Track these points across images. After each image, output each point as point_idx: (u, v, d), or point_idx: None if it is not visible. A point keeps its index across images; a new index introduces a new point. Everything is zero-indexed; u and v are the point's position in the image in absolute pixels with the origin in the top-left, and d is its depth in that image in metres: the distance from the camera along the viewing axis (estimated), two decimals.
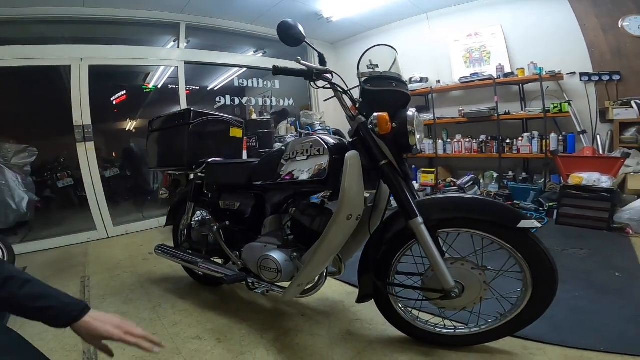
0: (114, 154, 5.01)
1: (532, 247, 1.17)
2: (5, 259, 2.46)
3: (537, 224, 1.14)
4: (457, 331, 1.38)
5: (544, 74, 3.56)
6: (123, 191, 5.06)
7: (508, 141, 3.85)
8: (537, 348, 1.34)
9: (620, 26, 3.35)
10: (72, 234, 3.58)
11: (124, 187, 5.13)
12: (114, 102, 4.96)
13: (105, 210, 3.65)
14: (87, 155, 3.53)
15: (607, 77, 3.41)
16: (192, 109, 1.94)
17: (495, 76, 3.87)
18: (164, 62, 4.15)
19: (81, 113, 3.46)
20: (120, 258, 2.90)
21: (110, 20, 3.75)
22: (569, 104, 3.50)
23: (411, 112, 1.24)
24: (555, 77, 3.54)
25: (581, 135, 3.48)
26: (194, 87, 4.44)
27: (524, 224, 1.12)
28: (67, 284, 2.34)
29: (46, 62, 3.40)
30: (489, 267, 1.26)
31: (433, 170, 4.37)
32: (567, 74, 3.58)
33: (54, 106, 4.16)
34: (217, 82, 5.14)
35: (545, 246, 1.17)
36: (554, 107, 3.51)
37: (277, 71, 1.29)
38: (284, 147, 1.47)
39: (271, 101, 4.94)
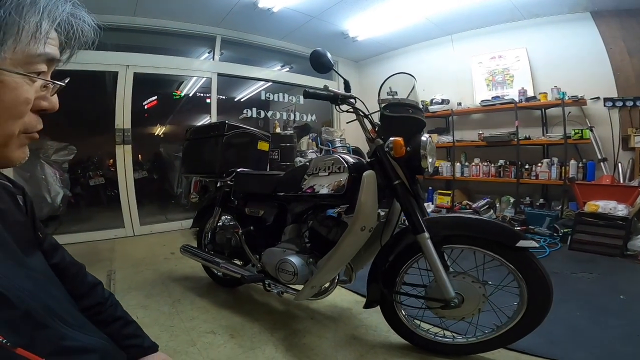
0: (139, 156, 5.26)
1: (530, 265, 1.26)
2: None
3: (534, 244, 1.24)
4: (455, 340, 1.47)
5: (567, 98, 3.55)
6: (149, 193, 5.30)
7: (527, 166, 3.84)
8: None
9: None
10: (101, 230, 3.79)
11: (150, 190, 5.39)
12: (146, 107, 5.26)
13: (134, 210, 3.87)
14: (124, 157, 3.77)
15: (631, 103, 3.35)
16: (227, 122, 2.12)
17: (517, 100, 3.88)
18: (199, 72, 4.42)
19: (123, 117, 3.71)
20: (144, 256, 3.06)
21: (155, 30, 4.02)
22: (591, 130, 3.48)
23: (425, 137, 1.37)
24: (579, 102, 3.53)
25: (602, 163, 3.46)
26: (221, 97, 4.65)
27: (522, 243, 1.22)
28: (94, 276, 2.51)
29: (98, 67, 3.66)
30: (489, 282, 1.36)
31: (449, 192, 4.41)
32: (591, 99, 3.55)
33: (94, 108, 4.46)
34: (244, 94, 5.37)
35: (542, 265, 1.26)
36: (575, 133, 3.49)
37: (307, 95, 1.46)
38: (307, 163, 1.62)
39: (294, 115, 5.11)
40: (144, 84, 4.12)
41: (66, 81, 0.49)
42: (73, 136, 4.38)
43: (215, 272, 2.25)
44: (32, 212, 0.64)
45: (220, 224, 2.17)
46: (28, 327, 0.43)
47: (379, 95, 1.47)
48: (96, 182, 4.65)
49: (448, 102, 4.51)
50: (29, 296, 0.45)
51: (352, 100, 1.51)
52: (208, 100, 4.44)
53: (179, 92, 5.03)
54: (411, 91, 1.50)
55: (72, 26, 0.46)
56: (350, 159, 1.48)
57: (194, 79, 4.66)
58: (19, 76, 0.41)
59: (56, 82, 0.48)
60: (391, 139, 1.35)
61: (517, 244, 1.22)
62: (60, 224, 3.94)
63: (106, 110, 3.80)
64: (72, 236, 3.59)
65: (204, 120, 4.77)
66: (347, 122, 1.65)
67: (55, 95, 0.49)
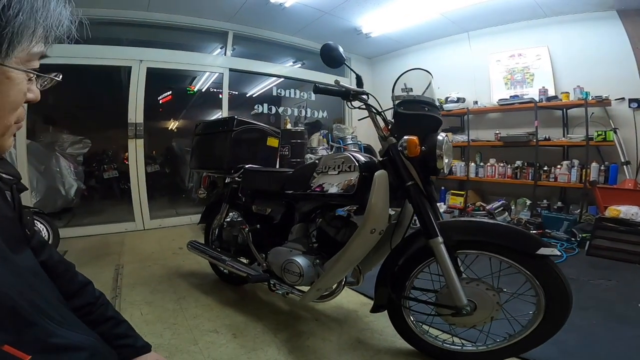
0: (153, 152, 5.33)
1: (550, 273, 1.18)
2: (51, 241, 2.68)
3: (556, 252, 1.17)
4: (464, 348, 1.41)
5: (590, 99, 3.41)
6: (160, 187, 5.37)
7: (545, 168, 3.72)
8: None
9: None
10: (112, 223, 3.82)
11: (162, 183, 5.45)
12: (160, 102, 5.31)
13: (145, 204, 3.88)
14: (136, 151, 3.78)
15: None
16: (235, 117, 2.08)
17: (537, 99, 3.75)
18: (211, 67, 4.41)
19: (135, 112, 3.72)
20: (153, 250, 3.07)
21: (168, 25, 4.02)
22: (615, 132, 3.34)
23: (441, 136, 1.30)
24: (602, 102, 3.38)
25: (625, 167, 3.31)
26: (233, 92, 4.64)
27: (543, 251, 1.14)
28: (102, 270, 2.52)
29: (111, 62, 3.69)
30: (504, 290, 1.29)
31: (463, 193, 4.29)
32: (615, 99, 3.41)
33: (107, 103, 4.52)
34: (255, 90, 5.35)
35: (563, 274, 1.19)
36: (598, 135, 3.36)
37: (317, 90, 1.40)
38: (317, 161, 1.57)
39: (306, 112, 5.06)
40: (157, 78, 4.14)
41: (60, 77, 0.52)
42: (88, 130, 4.46)
43: (222, 269, 2.23)
44: (20, 208, 0.64)
45: (227, 220, 2.14)
46: (14, 324, 0.43)
47: (393, 91, 1.40)
48: (110, 175, 4.73)
49: (464, 100, 4.39)
50: (15, 293, 0.44)
51: (365, 97, 1.45)
52: (220, 96, 4.43)
53: (192, 88, 5.06)
54: (427, 88, 1.43)
55: (69, 28, 0.48)
56: (362, 158, 1.42)
57: (207, 74, 4.67)
58: (21, 72, 0.44)
59: (54, 77, 0.51)
60: (405, 137, 1.28)
61: (538, 252, 1.15)
62: (73, 216, 4.01)
63: (121, 105, 3.81)
64: (83, 229, 3.64)
65: (216, 116, 4.77)
66: (359, 119, 1.58)
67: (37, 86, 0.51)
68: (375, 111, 1.43)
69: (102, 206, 4.62)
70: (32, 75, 0.46)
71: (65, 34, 0.47)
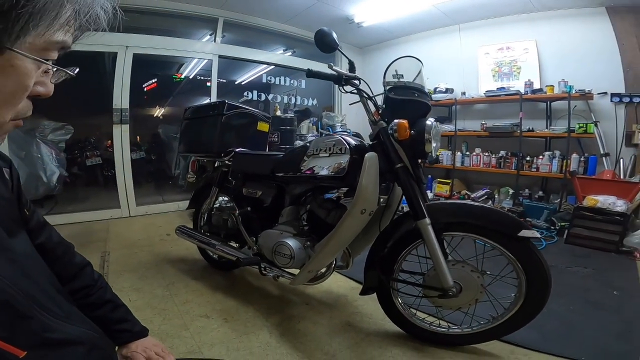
0: (137, 138, 5.22)
1: (531, 256, 1.24)
2: None
3: (537, 234, 1.22)
4: (450, 330, 1.47)
5: (574, 92, 3.51)
6: (146, 174, 5.27)
7: (528, 158, 3.82)
8: (523, 354, 1.42)
9: None
10: (97, 210, 3.75)
11: (147, 170, 5.36)
12: (145, 89, 5.19)
13: (130, 190, 3.81)
14: (121, 136, 3.70)
15: (639, 99, 3.31)
16: (226, 101, 2.06)
17: (522, 92, 3.83)
18: (200, 54, 4.31)
19: (121, 97, 3.64)
20: (139, 237, 3.02)
21: (157, 11, 3.90)
22: (595, 125, 3.45)
23: (430, 121, 1.33)
24: (585, 96, 3.48)
25: (603, 158, 3.43)
26: (222, 80, 4.56)
27: (524, 233, 1.20)
28: (88, 257, 2.45)
29: (96, 48, 3.55)
30: (488, 272, 1.34)
31: (449, 181, 4.39)
32: (598, 93, 3.50)
33: (91, 89, 4.38)
34: (245, 77, 5.28)
35: (543, 257, 1.24)
36: (580, 127, 3.46)
37: (310, 74, 1.41)
38: (308, 144, 1.58)
39: (295, 99, 5.03)
40: (143, 65, 4.02)
41: (76, 71, 0.45)
42: (70, 116, 4.32)
43: (211, 254, 2.23)
44: (19, 187, 0.60)
45: (217, 205, 2.14)
46: (8, 318, 0.40)
47: (384, 77, 1.43)
48: (93, 162, 4.62)
49: (452, 91, 4.45)
50: (8, 284, 0.41)
51: (357, 82, 1.47)
52: (208, 84, 4.35)
53: (179, 76, 4.96)
54: (417, 75, 1.46)
55: (98, 17, 0.42)
56: (352, 141, 1.44)
57: (195, 60, 4.57)
58: (32, 62, 0.37)
59: (67, 71, 0.44)
60: (395, 121, 1.31)
61: (519, 234, 1.20)
62: (56, 203, 3.90)
63: (104, 91, 3.71)
64: (67, 216, 3.56)
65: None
66: (350, 104, 1.60)
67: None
68: (366, 96, 1.45)
69: (86, 193, 4.50)
70: (49, 66, 0.39)
71: (94, 24, 0.41)
